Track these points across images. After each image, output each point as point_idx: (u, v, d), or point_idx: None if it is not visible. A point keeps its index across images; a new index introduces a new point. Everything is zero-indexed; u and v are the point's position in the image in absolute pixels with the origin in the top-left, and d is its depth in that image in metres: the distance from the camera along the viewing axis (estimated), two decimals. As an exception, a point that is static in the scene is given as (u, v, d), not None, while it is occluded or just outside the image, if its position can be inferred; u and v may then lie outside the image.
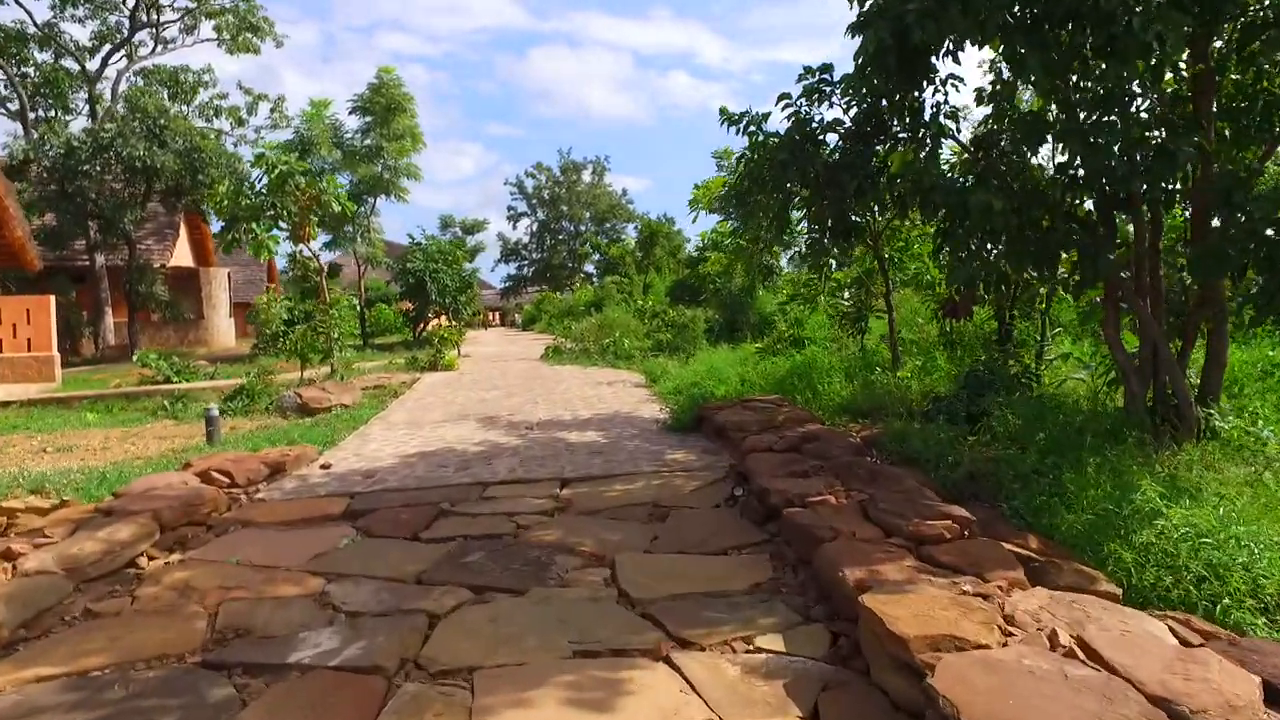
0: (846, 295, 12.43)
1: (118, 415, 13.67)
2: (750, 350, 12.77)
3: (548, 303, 39.26)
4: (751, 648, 3.51)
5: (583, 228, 59.25)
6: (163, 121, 23.65)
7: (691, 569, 4.48)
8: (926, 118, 7.15)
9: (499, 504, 5.94)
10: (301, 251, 16.60)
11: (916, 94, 7.15)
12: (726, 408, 8.09)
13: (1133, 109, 5.47)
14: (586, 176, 60.90)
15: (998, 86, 6.67)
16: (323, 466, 7.38)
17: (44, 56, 29.50)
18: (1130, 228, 6.21)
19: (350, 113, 26.09)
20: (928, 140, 7.09)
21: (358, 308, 27.96)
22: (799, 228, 9.90)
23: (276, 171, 15.04)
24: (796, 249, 16.45)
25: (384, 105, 25.49)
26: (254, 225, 14.90)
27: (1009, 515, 5.01)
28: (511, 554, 4.83)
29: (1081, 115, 5.44)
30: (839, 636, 3.54)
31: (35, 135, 25.74)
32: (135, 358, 15.90)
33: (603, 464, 7.04)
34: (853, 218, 8.21)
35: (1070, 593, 3.52)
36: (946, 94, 7.02)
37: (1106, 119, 5.26)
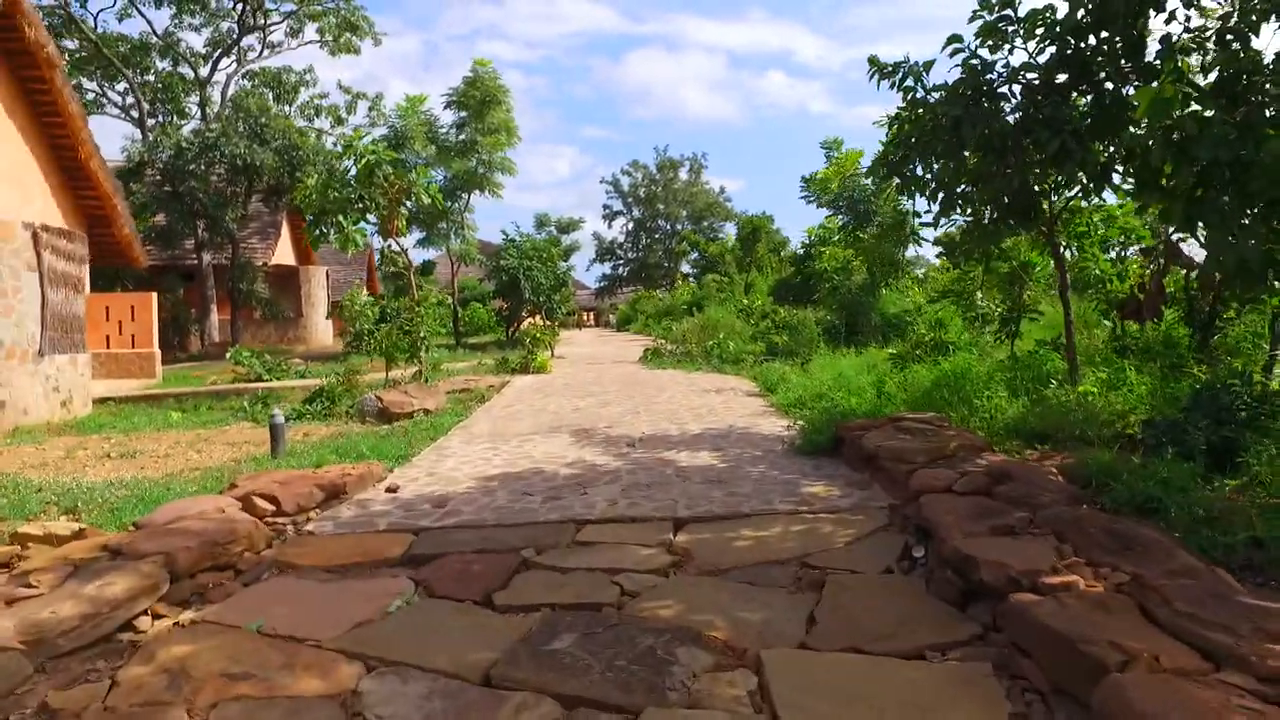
0: (980, 295, 10.64)
1: (201, 415, 13.15)
2: (880, 356, 11.10)
3: (644, 302, 38.09)
4: None
5: (679, 226, 57.93)
6: (263, 120, 23.68)
7: (878, 684, 3.02)
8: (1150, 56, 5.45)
9: (596, 554, 4.60)
10: (390, 246, 15.85)
11: (1136, 26, 5.46)
12: (873, 428, 6.54)
13: None
14: (683, 174, 59.61)
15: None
16: (389, 490, 6.24)
17: (164, 64, 30.38)
18: None
19: (445, 107, 25.56)
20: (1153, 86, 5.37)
21: (450, 306, 27.53)
22: (920, 212, 8.19)
23: (364, 161, 14.28)
24: (921, 237, 14.58)
25: (479, 99, 24.80)
26: (340, 218, 14.19)
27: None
28: (615, 640, 3.48)
29: None
30: None
31: (150, 138, 26.34)
32: (228, 355, 15.47)
33: (724, 497, 5.63)
34: (1036, 191, 6.53)
35: None
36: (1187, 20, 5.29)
37: None
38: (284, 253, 31.64)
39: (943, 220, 6.72)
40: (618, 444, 7.86)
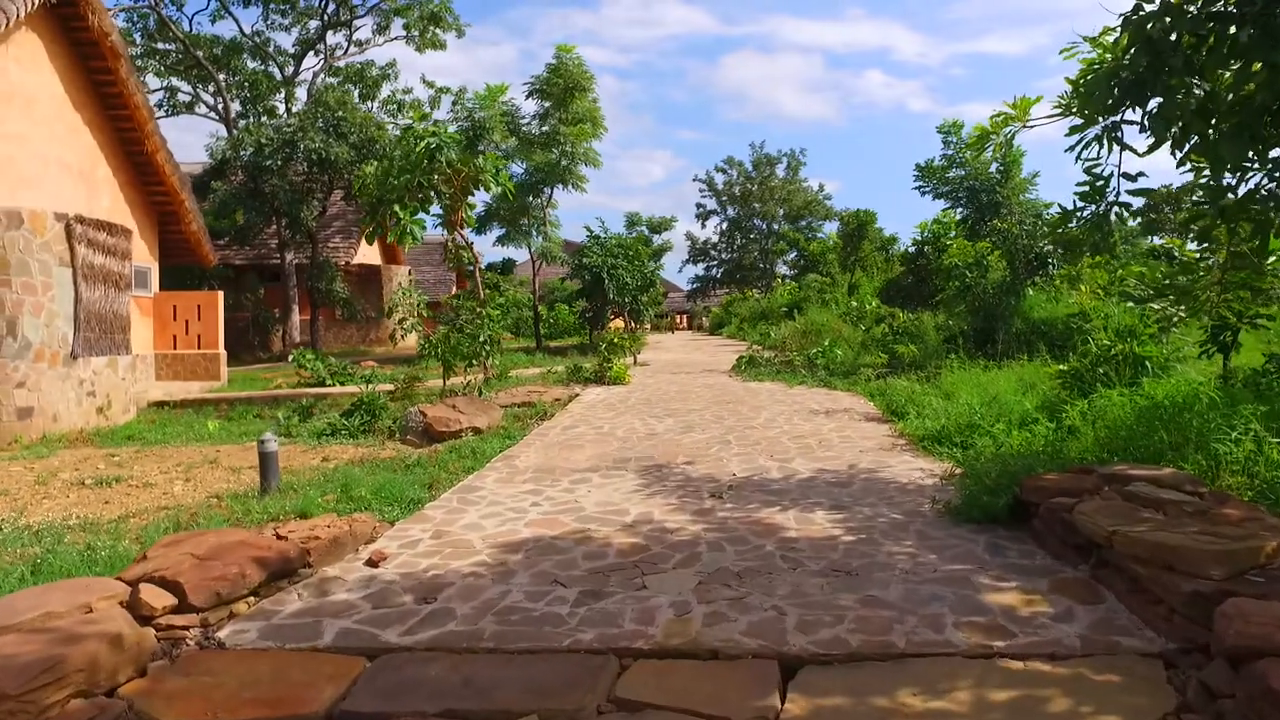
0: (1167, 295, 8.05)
1: (241, 425, 11.90)
2: (1039, 373, 8.66)
3: (738, 305, 35.76)
4: None
5: (776, 226, 55.20)
6: (340, 113, 22.77)
7: None
8: None
9: (644, 741, 2.60)
10: (455, 240, 14.30)
11: None
12: (1084, 492, 4.28)
13: None
14: (780, 171, 56.77)
15: None
16: (370, 562, 4.41)
17: (254, 65, 30.22)
18: None
19: (527, 97, 24.06)
20: None
21: (530, 306, 26.10)
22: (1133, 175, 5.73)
23: (422, 144, 12.74)
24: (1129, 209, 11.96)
25: (562, 86, 23.18)
26: (396, 208, 12.69)
27: None
28: None
29: None
30: None
31: (235, 135, 26.00)
32: (290, 358, 14.21)
33: (860, 608, 3.52)
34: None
35: None
36: None
37: None
38: (369, 252, 31.01)
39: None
40: (699, 491, 5.81)
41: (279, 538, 4.31)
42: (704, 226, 59.15)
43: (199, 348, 18.25)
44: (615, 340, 13.70)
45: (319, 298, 26.38)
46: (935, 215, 23.33)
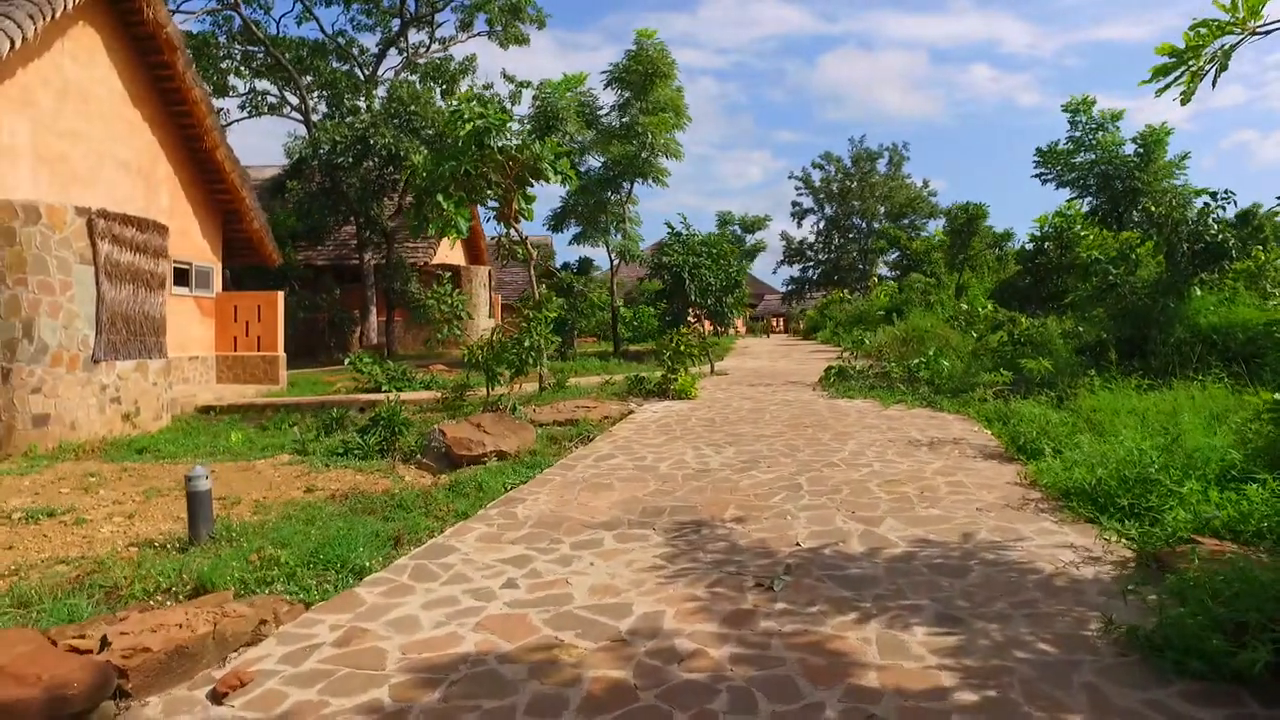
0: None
1: (269, 437, 10.81)
2: (1239, 401, 6.44)
3: (833, 307, 33.32)
4: None
5: (876, 224, 52.09)
6: (413, 108, 21.95)
7: None
8: None
9: None
10: (510, 235, 12.95)
11: None
12: None
13: None
14: (881, 167, 53.64)
15: None
16: (214, 694, 2.90)
17: (336, 65, 30.07)
18: None
19: (606, 86, 22.61)
20: None
21: (608, 308, 24.67)
22: None
23: (468, 127, 11.42)
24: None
25: (642, 74, 21.62)
26: (439, 198, 11.42)
27: None
28: None
29: None
30: None
31: (313, 134, 25.73)
32: (347, 361, 13.18)
33: None
34: None
35: None
36: None
37: None
38: (453, 252, 30.39)
39: None
40: (742, 574, 4.07)
41: (76, 651, 2.86)
42: (800, 226, 56.66)
43: (259, 350, 17.63)
44: (682, 347, 11.96)
45: (395, 298, 25.79)
46: (1058, 207, 20.56)
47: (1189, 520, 3.98)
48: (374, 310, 26.73)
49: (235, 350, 17.57)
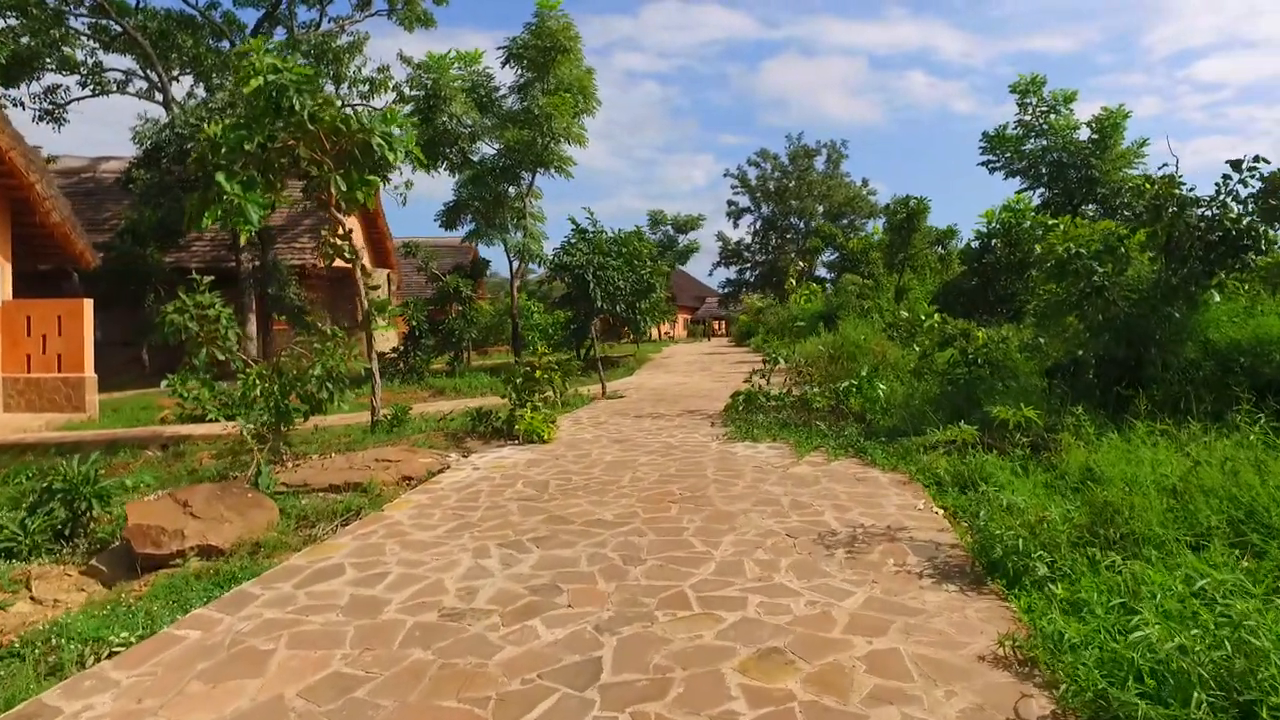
0: None
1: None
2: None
3: (768, 312, 30.98)
4: None
5: (814, 224, 50.17)
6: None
7: None
8: None
9: None
10: (335, 232, 10.09)
11: None
12: None
13: None
14: (819, 164, 51.84)
15: None
16: None
17: (217, 43, 26.58)
18: None
19: (503, 64, 19.83)
20: None
21: (509, 316, 21.89)
22: None
23: (256, 83, 8.56)
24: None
25: (542, 49, 18.89)
26: (220, 178, 8.53)
27: None
28: None
29: None
30: None
31: (169, 118, 22.34)
32: (163, 383, 10.10)
33: None
34: None
35: None
36: None
37: None
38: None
39: None
40: None
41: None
42: (736, 226, 54.46)
43: (59, 370, 14.38)
44: (541, 375, 9.16)
45: (271, 306, 22.60)
46: (1005, 200, 18.48)
47: None
48: (252, 319, 23.41)
49: (28, 371, 14.31)
